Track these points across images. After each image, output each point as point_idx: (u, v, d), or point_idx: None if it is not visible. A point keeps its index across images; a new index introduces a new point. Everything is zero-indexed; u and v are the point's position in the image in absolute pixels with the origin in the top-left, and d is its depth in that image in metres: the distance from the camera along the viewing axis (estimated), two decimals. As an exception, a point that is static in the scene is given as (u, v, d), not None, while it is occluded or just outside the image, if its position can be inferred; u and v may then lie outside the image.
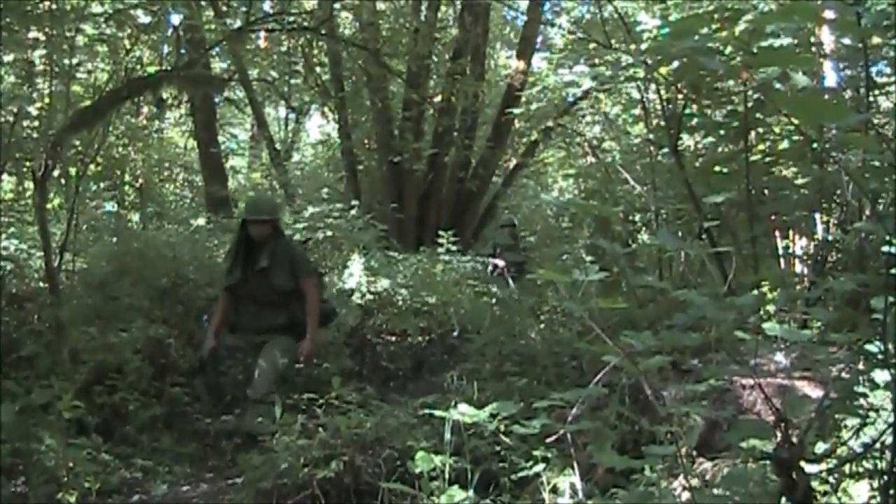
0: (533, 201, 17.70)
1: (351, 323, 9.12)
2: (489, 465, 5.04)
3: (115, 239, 11.68)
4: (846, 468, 3.46)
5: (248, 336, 6.97)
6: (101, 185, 14.67)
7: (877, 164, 3.92)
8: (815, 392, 4.28)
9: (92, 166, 11.13)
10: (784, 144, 6.87)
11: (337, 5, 12.67)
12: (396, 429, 5.86)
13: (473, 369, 7.44)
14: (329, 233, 11.12)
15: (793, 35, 5.46)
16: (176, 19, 11.84)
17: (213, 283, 8.61)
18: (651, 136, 8.94)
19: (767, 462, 3.19)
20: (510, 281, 11.43)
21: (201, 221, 13.36)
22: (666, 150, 7.44)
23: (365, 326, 9.39)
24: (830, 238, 6.52)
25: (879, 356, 2.97)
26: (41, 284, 8.49)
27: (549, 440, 4.57)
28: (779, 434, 2.83)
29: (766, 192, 6.83)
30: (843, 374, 3.29)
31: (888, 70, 7.06)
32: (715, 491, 3.57)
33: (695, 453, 4.63)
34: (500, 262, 12.20)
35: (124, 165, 15.25)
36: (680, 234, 7.88)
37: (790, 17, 3.68)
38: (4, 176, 10.57)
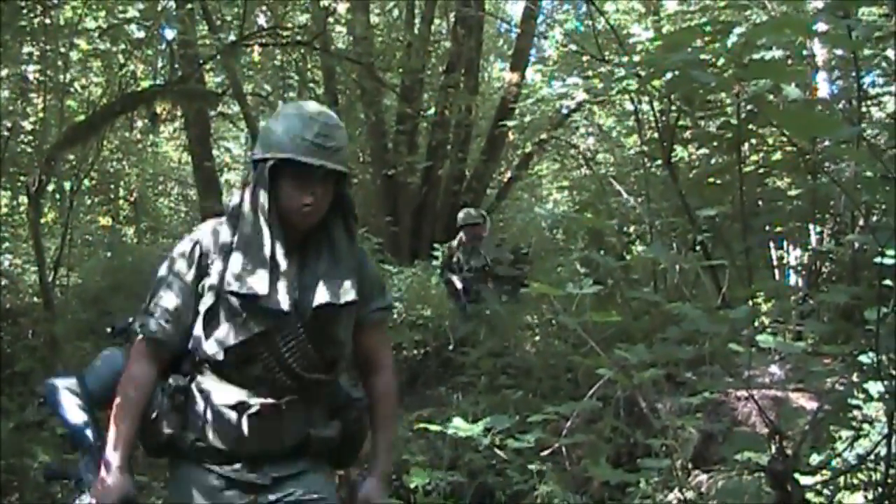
0: (527, 214, 17.72)
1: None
2: (485, 478, 5.04)
3: (109, 254, 11.69)
4: (841, 480, 3.46)
5: (232, 476, 2.77)
6: (96, 199, 14.65)
7: (869, 174, 3.93)
8: (810, 404, 4.28)
9: (86, 181, 11.14)
10: (777, 156, 6.88)
11: (331, 20, 12.69)
12: (392, 442, 5.86)
13: (468, 382, 7.44)
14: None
15: (784, 47, 5.48)
16: (170, 34, 11.87)
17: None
18: (644, 148, 8.95)
19: (762, 474, 3.19)
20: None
21: (196, 236, 13.34)
22: (659, 161, 7.45)
23: (360, 340, 9.35)
24: (824, 249, 6.53)
25: (873, 368, 2.98)
26: (35, 299, 8.49)
27: (544, 453, 4.57)
28: (773, 446, 2.84)
29: (759, 203, 6.83)
30: (837, 386, 3.29)
31: (881, 81, 7.08)
32: (710, 503, 3.57)
33: (690, 466, 4.64)
34: (458, 283, 9.58)
35: (118, 180, 15.23)
36: (674, 246, 7.88)
37: (782, 30, 3.69)
38: (-1, 191, 10.56)
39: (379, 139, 15.09)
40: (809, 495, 3.15)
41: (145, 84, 11.74)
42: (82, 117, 9.64)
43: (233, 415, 2.72)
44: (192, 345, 2.74)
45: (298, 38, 11.66)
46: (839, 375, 3.38)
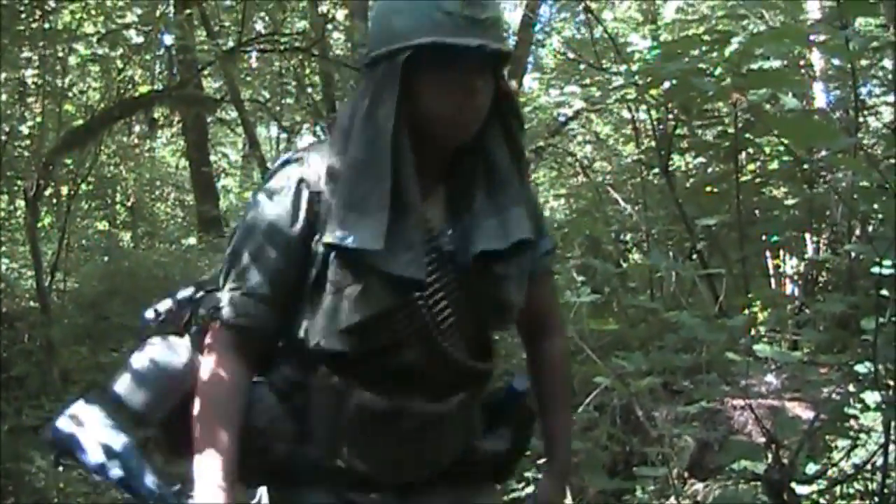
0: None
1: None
2: (481, 485, 5.04)
3: (106, 258, 11.68)
4: (837, 489, 3.47)
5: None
6: (93, 204, 14.65)
7: (865, 184, 3.94)
8: (806, 413, 4.29)
9: (83, 186, 11.14)
10: (774, 165, 6.89)
11: (329, 26, 12.71)
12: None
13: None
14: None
15: (782, 57, 5.50)
16: (168, 40, 11.87)
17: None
18: (642, 157, 8.96)
19: (758, 483, 3.20)
20: None
21: (192, 241, 13.36)
22: (657, 170, 7.46)
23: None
24: (820, 258, 6.54)
25: (869, 377, 2.98)
26: (32, 304, 8.48)
27: (540, 461, 4.56)
28: (770, 455, 2.84)
29: (756, 212, 6.84)
30: (834, 396, 3.30)
31: (878, 91, 7.10)
32: (706, 512, 3.57)
33: (686, 474, 4.63)
34: None
35: (116, 185, 15.23)
36: (671, 254, 7.88)
37: (780, 40, 3.71)
38: (-4, 195, 10.56)
39: (376, 145, 15.10)
40: (805, 504, 3.16)
41: (144, 89, 11.72)
42: (80, 122, 9.64)
43: (382, 423, 1.84)
44: (303, 332, 1.83)
45: (297, 44, 11.67)
46: (836, 385, 3.39)
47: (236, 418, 1.79)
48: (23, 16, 8.13)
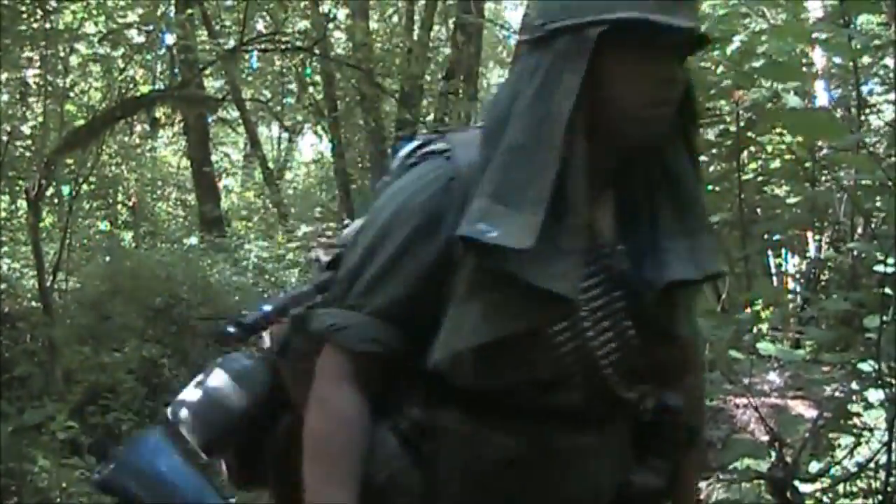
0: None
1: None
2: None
3: (108, 258, 11.68)
4: (840, 487, 3.46)
5: None
6: (95, 204, 14.65)
7: (868, 182, 3.94)
8: (809, 411, 4.29)
9: (85, 185, 11.14)
10: (776, 163, 6.89)
11: (330, 25, 12.71)
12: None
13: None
14: (322, 252, 11.10)
15: (784, 55, 5.49)
16: (170, 39, 11.88)
17: (207, 302, 8.64)
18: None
19: (762, 481, 3.20)
20: None
21: (194, 241, 13.35)
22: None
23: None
24: (823, 256, 6.54)
25: (873, 375, 2.98)
26: (34, 304, 8.47)
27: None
28: (773, 453, 2.84)
29: (758, 210, 6.84)
30: (837, 394, 3.30)
31: (879, 89, 7.10)
32: (710, 510, 3.57)
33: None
34: None
35: (117, 185, 15.23)
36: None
37: (783, 38, 3.70)
38: (-3, 195, 10.56)
39: (378, 145, 15.10)
40: (809, 503, 3.15)
41: (145, 89, 11.74)
42: (82, 122, 9.64)
43: (530, 471, 1.51)
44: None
45: (298, 43, 11.67)
46: (839, 383, 3.39)
47: (358, 465, 1.49)
48: (24, 16, 8.14)
